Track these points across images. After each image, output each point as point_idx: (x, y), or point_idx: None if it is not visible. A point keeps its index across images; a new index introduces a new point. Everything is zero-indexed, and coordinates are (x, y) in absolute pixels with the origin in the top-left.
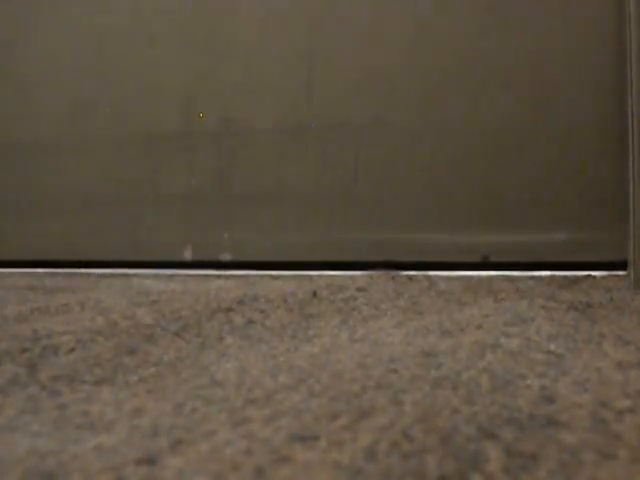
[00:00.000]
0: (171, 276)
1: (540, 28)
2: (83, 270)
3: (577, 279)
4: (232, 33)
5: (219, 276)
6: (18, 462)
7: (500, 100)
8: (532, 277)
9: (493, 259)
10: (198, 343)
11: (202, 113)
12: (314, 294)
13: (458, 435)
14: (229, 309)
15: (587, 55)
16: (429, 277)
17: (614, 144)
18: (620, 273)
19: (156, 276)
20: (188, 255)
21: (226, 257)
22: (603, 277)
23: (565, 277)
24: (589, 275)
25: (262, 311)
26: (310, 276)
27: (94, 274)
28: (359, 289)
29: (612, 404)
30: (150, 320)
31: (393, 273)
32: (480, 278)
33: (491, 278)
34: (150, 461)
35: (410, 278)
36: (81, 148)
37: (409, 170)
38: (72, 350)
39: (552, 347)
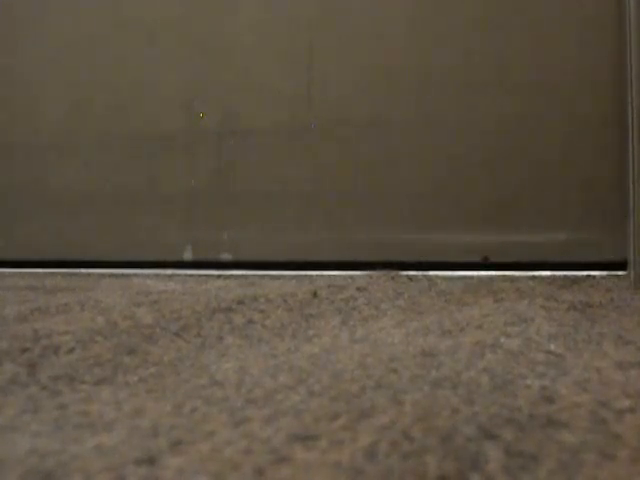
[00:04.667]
0: (171, 276)
1: (540, 28)
2: (83, 270)
3: (577, 279)
4: (232, 33)
5: (219, 276)
6: (18, 462)
7: (500, 100)
8: (532, 277)
9: (493, 259)
10: (198, 343)
11: (202, 113)
12: (314, 294)
13: (458, 435)
14: (229, 309)
15: (587, 55)
16: (429, 277)
17: (614, 144)
18: (620, 273)
19: (156, 276)
20: (188, 255)
21: (226, 257)
22: (603, 277)
23: (565, 277)
24: (589, 275)
25: (262, 311)
26: (310, 276)
27: (94, 274)
28: (359, 289)
29: (612, 404)
30: (150, 320)
31: (393, 273)
32: (480, 278)
33: (491, 278)
34: (150, 461)
35: (410, 278)
36: (81, 148)
37: (409, 170)
38: (72, 350)
39: (552, 347)
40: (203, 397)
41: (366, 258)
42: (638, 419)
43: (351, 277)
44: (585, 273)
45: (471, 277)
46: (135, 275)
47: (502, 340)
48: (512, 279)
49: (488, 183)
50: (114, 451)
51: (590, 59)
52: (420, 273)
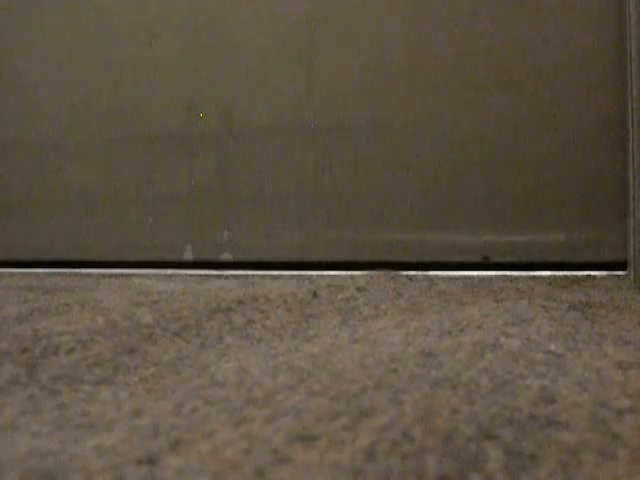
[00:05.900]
0: (171, 276)
1: (540, 28)
2: (83, 270)
3: (577, 279)
4: (232, 33)
5: (219, 276)
6: (18, 462)
7: (500, 100)
8: (532, 277)
9: (493, 259)
10: (198, 343)
11: (202, 113)
12: (314, 294)
13: (458, 435)
14: (229, 309)
15: (587, 55)
16: (429, 277)
17: (614, 144)
18: (620, 273)
19: (156, 276)
20: (188, 255)
21: (226, 257)
22: (603, 277)
23: (565, 277)
24: (589, 275)
25: (262, 311)
26: (310, 276)
27: (94, 274)
28: (359, 289)
29: (612, 404)
30: (150, 320)
31: (393, 273)
32: (480, 278)
33: (491, 278)
34: (150, 461)
35: (410, 278)
36: (81, 148)
37: (409, 170)
38: (72, 350)
39: (552, 347)
40: (203, 397)
41: (366, 258)
42: (638, 419)
43: (351, 277)
44: (585, 273)
45: (471, 277)
46: (135, 275)
47: (502, 340)
48: (512, 279)
49: (488, 183)
50: (114, 451)
51: (591, 58)
52: (420, 273)
